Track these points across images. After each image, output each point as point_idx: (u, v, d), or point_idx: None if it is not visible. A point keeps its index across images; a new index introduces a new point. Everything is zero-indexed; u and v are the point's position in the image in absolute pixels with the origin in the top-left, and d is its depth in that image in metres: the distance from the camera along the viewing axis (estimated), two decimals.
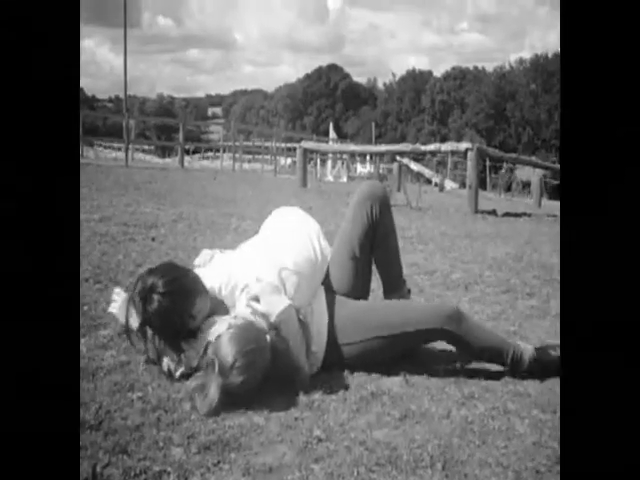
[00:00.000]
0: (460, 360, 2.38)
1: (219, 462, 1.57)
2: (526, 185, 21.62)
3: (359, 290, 2.39)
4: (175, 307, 2.09)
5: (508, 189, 21.52)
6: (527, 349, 2.24)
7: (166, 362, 2.11)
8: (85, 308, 2.75)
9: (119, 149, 24.68)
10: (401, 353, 2.32)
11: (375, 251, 2.42)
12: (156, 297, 2.08)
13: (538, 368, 2.21)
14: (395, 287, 2.48)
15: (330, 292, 2.34)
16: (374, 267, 2.49)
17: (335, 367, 2.20)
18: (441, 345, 2.53)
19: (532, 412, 1.94)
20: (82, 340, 2.40)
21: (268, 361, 1.98)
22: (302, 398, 1.98)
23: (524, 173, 21.88)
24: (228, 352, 1.92)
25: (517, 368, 2.23)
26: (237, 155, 22.30)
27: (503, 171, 21.78)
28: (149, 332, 2.14)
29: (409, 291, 2.57)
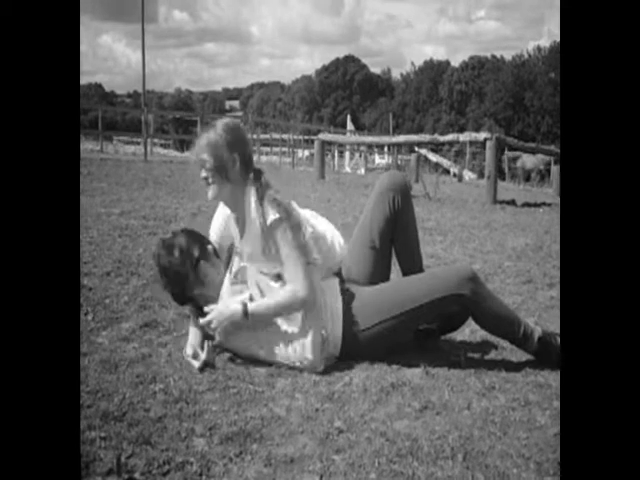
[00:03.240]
0: (480, 351, 2.38)
1: (241, 453, 1.58)
2: (536, 173, 21.50)
3: (378, 280, 2.39)
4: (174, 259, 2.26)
5: (527, 179, 21.36)
6: (536, 328, 2.25)
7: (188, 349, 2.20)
8: (107, 301, 2.78)
9: (138, 144, 24.79)
10: (420, 337, 2.33)
11: (395, 242, 2.42)
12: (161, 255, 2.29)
13: (545, 349, 2.22)
14: None
15: (345, 283, 2.34)
16: (394, 257, 2.48)
17: (355, 358, 2.21)
18: (461, 336, 2.53)
19: (553, 403, 1.93)
20: (104, 333, 2.43)
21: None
22: (322, 389, 1.99)
23: (530, 160, 21.75)
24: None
25: (527, 345, 2.24)
26: (255, 148, 22.34)
27: (505, 157, 21.62)
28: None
29: None
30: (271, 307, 2.16)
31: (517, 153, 20.88)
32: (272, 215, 2.15)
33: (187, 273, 2.24)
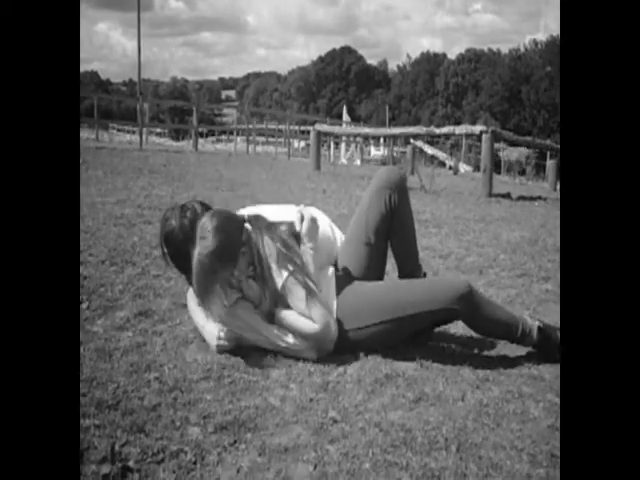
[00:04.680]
0: (474, 344, 2.38)
1: (235, 442, 1.59)
2: (526, 165, 21.56)
3: (373, 275, 2.38)
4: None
5: (522, 172, 21.38)
6: (534, 324, 2.25)
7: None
8: (102, 290, 2.77)
9: (133, 132, 24.71)
10: (413, 334, 2.31)
11: (392, 237, 2.41)
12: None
13: (545, 342, 2.22)
14: (411, 272, 2.47)
15: (341, 276, 2.33)
16: (389, 251, 2.48)
17: (349, 349, 2.21)
18: (455, 328, 2.54)
19: (547, 396, 1.94)
20: (99, 321, 2.43)
21: (239, 241, 2.15)
22: (317, 379, 1.99)
23: (513, 153, 21.80)
24: (204, 220, 2.13)
25: (527, 342, 2.24)
26: (250, 138, 22.27)
27: (501, 148, 21.63)
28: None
29: (425, 275, 2.56)
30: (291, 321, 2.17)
31: (502, 145, 20.90)
32: (283, 275, 2.13)
33: (189, 243, 2.21)
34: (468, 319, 2.22)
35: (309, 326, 2.12)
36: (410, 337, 2.33)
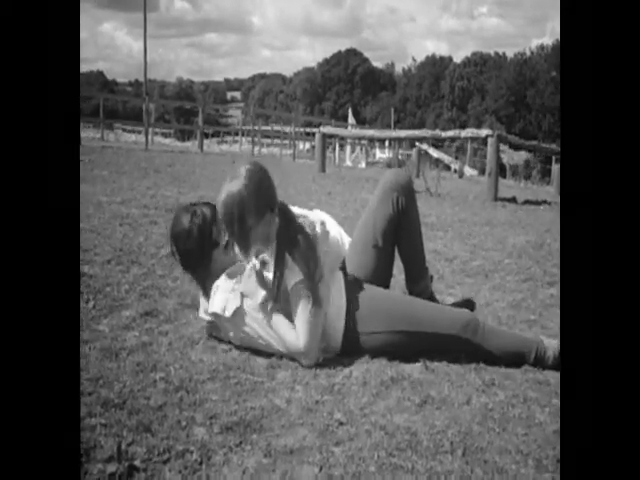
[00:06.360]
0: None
1: (241, 443, 1.58)
2: (514, 168, 21.58)
3: (380, 278, 2.38)
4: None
5: (528, 177, 21.38)
6: (552, 344, 2.19)
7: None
8: (108, 289, 2.78)
9: (139, 132, 24.75)
10: (417, 352, 2.23)
11: (399, 240, 2.41)
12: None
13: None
14: (418, 275, 2.47)
15: (350, 279, 2.32)
16: (397, 253, 2.48)
17: (355, 353, 2.21)
18: None
19: (552, 401, 1.93)
20: (105, 320, 2.43)
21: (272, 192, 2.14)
22: (322, 382, 1.99)
23: (512, 156, 21.81)
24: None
25: (541, 365, 2.18)
26: (256, 139, 22.32)
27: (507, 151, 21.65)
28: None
29: (431, 278, 2.56)
30: (272, 328, 2.14)
31: (503, 148, 20.98)
32: (294, 278, 2.09)
33: (198, 249, 2.24)
34: (476, 350, 2.19)
35: (293, 341, 2.10)
36: (414, 354, 2.27)
